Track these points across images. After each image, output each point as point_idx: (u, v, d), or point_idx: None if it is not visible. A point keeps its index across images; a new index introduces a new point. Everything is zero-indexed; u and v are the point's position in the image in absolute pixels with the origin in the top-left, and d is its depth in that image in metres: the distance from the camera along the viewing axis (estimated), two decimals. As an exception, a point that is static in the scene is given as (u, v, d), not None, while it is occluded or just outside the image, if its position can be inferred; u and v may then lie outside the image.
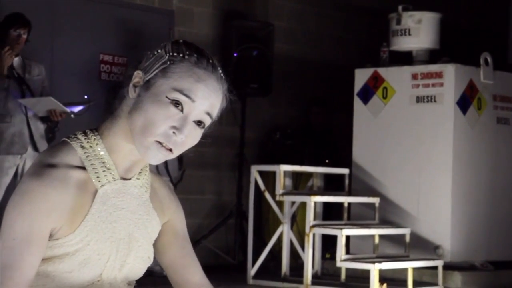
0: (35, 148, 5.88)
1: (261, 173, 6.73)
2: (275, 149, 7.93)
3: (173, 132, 1.74)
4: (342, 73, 8.02)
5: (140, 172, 1.87)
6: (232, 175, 7.73)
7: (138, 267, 1.86)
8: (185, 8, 7.50)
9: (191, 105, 1.75)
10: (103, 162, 1.80)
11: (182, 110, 1.75)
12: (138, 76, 1.79)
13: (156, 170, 6.06)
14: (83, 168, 1.78)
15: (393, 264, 6.21)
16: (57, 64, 6.49)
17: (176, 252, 1.95)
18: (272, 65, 7.67)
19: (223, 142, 7.74)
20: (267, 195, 6.66)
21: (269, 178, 6.87)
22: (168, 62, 1.77)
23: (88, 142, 1.80)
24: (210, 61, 1.80)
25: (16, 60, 5.98)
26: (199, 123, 1.79)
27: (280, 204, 6.63)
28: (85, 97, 5.88)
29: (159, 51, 1.79)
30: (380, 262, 6.05)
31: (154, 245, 1.92)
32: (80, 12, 6.69)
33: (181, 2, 7.45)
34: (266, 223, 7.59)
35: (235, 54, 7.49)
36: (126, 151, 1.81)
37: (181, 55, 1.77)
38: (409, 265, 6.21)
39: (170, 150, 1.76)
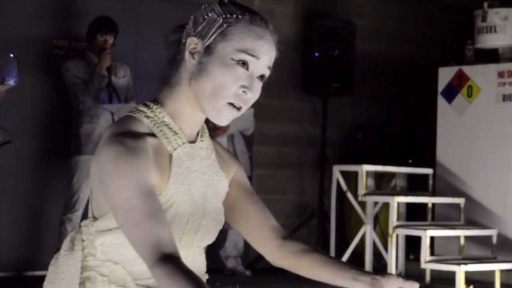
0: None
1: (343, 173, 6.68)
2: (357, 149, 7.86)
3: (243, 91, 1.79)
4: (425, 72, 7.91)
5: (201, 135, 1.91)
6: (313, 175, 7.70)
7: (211, 230, 1.90)
8: (267, 8, 7.50)
9: (255, 63, 1.80)
10: (170, 128, 1.83)
11: (247, 69, 1.79)
12: (193, 43, 1.82)
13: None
14: (153, 135, 1.81)
15: (480, 266, 6.08)
16: (140, 66, 6.56)
17: (246, 203, 1.99)
18: (354, 64, 7.61)
19: (304, 142, 7.71)
20: (349, 195, 6.61)
21: (351, 178, 6.82)
22: (225, 25, 1.80)
23: (151, 111, 1.83)
24: (261, 16, 1.84)
25: None
26: (261, 77, 1.83)
27: (362, 204, 6.58)
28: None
29: (209, 14, 1.82)
30: (466, 263, 5.93)
31: (223, 204, 1.96)
32: (162, 13, 6.76)
33: (262, 2, 7.46)
34: (349, 223, 7.54)
35: (316, 54, 7.46)
36: (188, 115, 1.85)
37: (234, 16, 1.80)
38: (497, 267, 6.08)
39: (239, 108, 1.81)
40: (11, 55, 5.19)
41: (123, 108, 5.88)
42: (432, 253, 6.37)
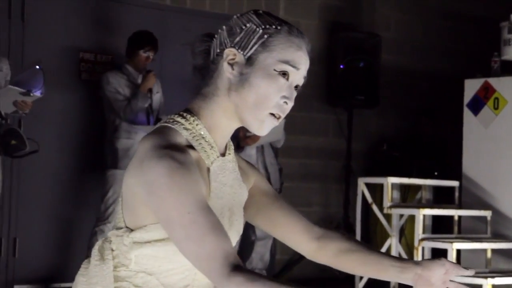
0: None
1: (368, 185, 6.66)
2: (382, 161, 7.83)
3: (284, 102, 1.81)
4: (451, 84, 7.87)
5: (228, 147, 1.91)
6: (338, 187, 7.68)
7: (233, 242, 1.90)
8: (292, 20, 7.50)
9: (295, 73, 1.82)
10: (206, 141, 1.82)
11: (287, 79, 1.81)
12: (232, 54, 1.82)
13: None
14: (192, 147, 1.80)
15: (507, 280, 6.02)
16: (165, 77, 6.59)
17: (272, 208, 1.99)
18: (379, 76, 7.60)
19: (329, 154, 7.70)
20: (375, 207, 6.58)
21: (376, 191, 6.79)
22: (265, 36, 1.81)
23: (189, 123, 1.82)
24: (295, 27, 1.88)
25: (141, 78, 6.02)
26: (296, 86, 1.85)
27: (388, 216, 6.55)
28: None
29: (247, 25, 1.82)
30: (493, 277, 5.88)
31: (245, 213, 1.97)
32: (187, 24, 6.79)
33: (287, 14, 7.47)
34: (374, 235, 7.50)
35: (341, 66, 7.45)
36: (223, 127, 1.85)
37: (274, 27, 1.82)
38: (523, 280, 6.01)
39: (279, 118, 1.83)
40: (37, 67, 5.24)
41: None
42: (458, 266, 6.31)
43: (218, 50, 1.84)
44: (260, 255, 6.59)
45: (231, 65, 1.82)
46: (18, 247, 6.06)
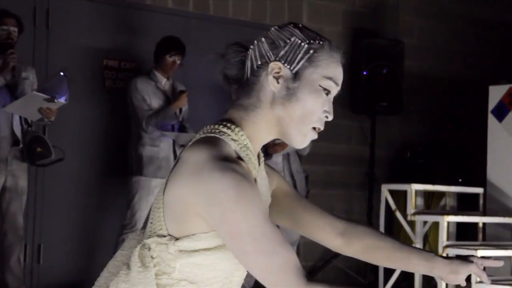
0: None
1: (391, 192, 6.63)
2: (406, 168, 7.81)
3: (325, 116, 1.86)
4: (475, 90, 7.83)
5: (260, 156, 1.93)
6: (362, 194, 7.66)
7: None
8: (315, 27, 7.51)
9: (335, 88, 1.88)
10: (251, 151, 1.84)
11: (328, 94, 1.86)
12: (277, 67, 1.83)
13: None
14: (241, 159, 1.81)
15: (532, 287, 5.98)
16: (189, 84, 6.61)
17: (297, 208, 2.03)
18: (402, 82, 7.58)
19: (352, 160, 7.68)
20: (398, 214, 6.55)
21: (400, 197, 6.77)
22: (311, 51, 1.83)
23: (235, 134, 1.83)
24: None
25: (168, 84, 6.06)
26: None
27: (411, 223, 6.52)
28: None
29: (292, 39, 1.84)
30: (517, 284, 5.84)
31: (278, 215, 2.02)
32: (210, 31, 6.81)
33: (311, 21, 7.47)
34: (397, 243, 7.47)
35: (364, 73, 7.44)
36: (261, 139, 1.87)
37: (317, 42, 1.85)
38: (549, 288, 5.96)
39: (318, 131, 1.89)
40: (61, 74, 5.28)
41: (182, 136, 5.90)
42: (483, 274, 6.27)
43: (260, 62, 1.85)
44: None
45: (276, 78, 1.83)
46: (43, 253, 6.10)
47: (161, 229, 1.81)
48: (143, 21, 6.54)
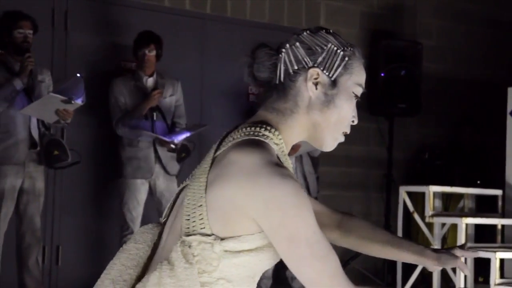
0: (166, 171, 5.89)
1: (409, 194, 6.61)
2: (424, 170, 7.78)
3: (353, 120, 1.93)
4: (494, 91, 7.80)
5: None
6: (379, 196, 7.64)
7: None
8: (332, 29, 7.45)
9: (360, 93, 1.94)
10: (285, 156, 1.90)
11: (356, 99, 1.93)
12: (315, 74, 1.87)
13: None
14: (282, 163, 1.84)
15: (551, 290, 5.94)
16: (206, 85, 6.62)
17: None
18: (420, 84, 7.55)
19: (370, 162, 7.67)
20: (416, 216, 6.53)
21: (418, 199, 6.74)
22: (346, 58, 1.89)
23: (276, 138, 1.87)
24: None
25: (150, 81, 5.97)
26: None
27: (429, 225, 6.49)
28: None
29: (328, 45, 1.88)
30: (536, 287, 5.80)
31: None
32: (228, 32, 6.81)
33: (328, 22, 7.46)
34: (415, 245, 7.44)
35: (382, 74, 7.42)
36: (292, 142, 1.92)
37: (349, 49, 1.90)
38: None
39: (345, 135, 1.94)
40: (78, 75, 5.30)
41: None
42: (502, 276, 6.24)
43: (296, 67, 1.88)
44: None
45: (315, 84, 1.87)
46: (61, 255, 6.12)
47: (203, 227, 1.81)
48: (159, 23, 6.55)
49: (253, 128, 1.84)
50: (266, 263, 1.84)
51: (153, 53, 5.88)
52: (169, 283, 1.80)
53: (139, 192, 5.83)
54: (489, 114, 7.96)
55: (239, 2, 7.01)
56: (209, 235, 1.80)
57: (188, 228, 1.82)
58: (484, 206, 7.12)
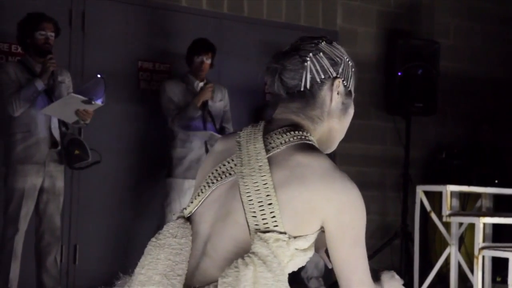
0: None
1: (426, 193, 6.59)
2: (441, 169, 7.76)
3: None
4: (511, 90, 7.76)
5: None
6: (396, 195, 7.62)
7: None
8: (349, 28, 7.50)
9: None
10: None
11: None
12: (339, 84, 2.01)
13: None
14: None
15: None
16: (223, 84, 6.61)
17: None
18: (437, 83, 7.53)
19: (387, 162, 7.65)
20: (433, 216, 6.51)
21: (435, 199, 6.73)
22: (353, 69, 2.04)
23: (315, 144, 1.99)
24: None
25: (201, 85, 6.07)
26: None
27: (447, 225, 6.47)
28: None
29: (343, 57, 2.02)
30: (555, 287, 5.77)
31: None
32: (244, 33, 6.82)
33: (345, 22, 7.46)
34: (433, 244, 7.43)
35: (399, 73, 7.41)
36: None
37: (351, 62, 2.06)
38: None
39: None
40: (99, 76, 5.33)
41: (213, 137, 5.91)
42: (519, 276, 6.21)
43: (323, 77, 1.98)
44: (314, 263, 6.58)
45: (338, 94, 2.01)
46: (79, 254, 6.15)
47: (276, 225, 1.84)
48: (177, 23, 6.57)
49: (299, 132, 1.94)
50: (305, 262, 1.93)
51: (210, 61, 6.04)
52: (269, 277, 1.80)
53: (184, 195, 5.88)
54: (507, 113, 7.93)
55: (255, 2, 7.02)
56: (283, 233, 1.85)
57: (258, 225, 1.85)
58: (502, 205, 7.09)
